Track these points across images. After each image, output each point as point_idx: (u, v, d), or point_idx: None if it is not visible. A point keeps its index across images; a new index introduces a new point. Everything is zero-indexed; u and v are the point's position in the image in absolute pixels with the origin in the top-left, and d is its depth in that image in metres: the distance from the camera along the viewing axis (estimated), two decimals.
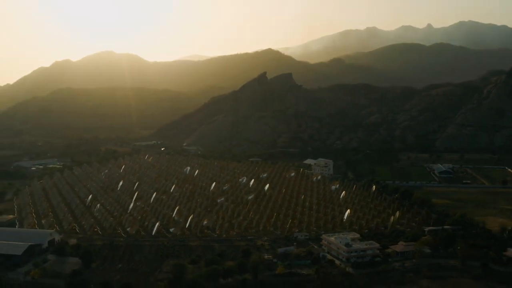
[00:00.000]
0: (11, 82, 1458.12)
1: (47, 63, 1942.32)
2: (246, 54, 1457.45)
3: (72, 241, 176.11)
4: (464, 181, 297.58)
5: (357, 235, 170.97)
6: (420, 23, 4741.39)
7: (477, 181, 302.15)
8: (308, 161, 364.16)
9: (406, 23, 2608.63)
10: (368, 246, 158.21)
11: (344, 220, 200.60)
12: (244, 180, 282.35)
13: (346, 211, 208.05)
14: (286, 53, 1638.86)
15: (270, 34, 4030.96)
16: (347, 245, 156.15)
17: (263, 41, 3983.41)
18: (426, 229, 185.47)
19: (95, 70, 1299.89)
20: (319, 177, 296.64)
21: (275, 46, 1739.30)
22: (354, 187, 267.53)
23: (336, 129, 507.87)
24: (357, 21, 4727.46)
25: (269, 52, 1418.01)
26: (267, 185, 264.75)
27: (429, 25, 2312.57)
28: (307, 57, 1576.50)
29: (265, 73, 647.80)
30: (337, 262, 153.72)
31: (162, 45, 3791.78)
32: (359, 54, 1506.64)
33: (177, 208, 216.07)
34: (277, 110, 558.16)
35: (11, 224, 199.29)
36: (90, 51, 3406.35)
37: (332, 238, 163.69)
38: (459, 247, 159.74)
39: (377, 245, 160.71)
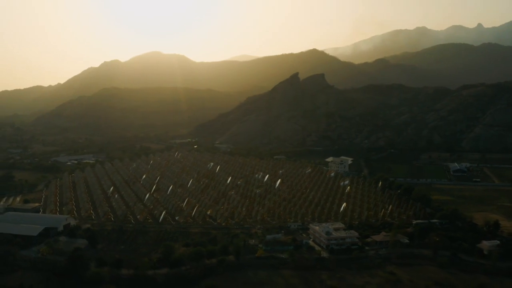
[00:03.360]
0: (62, 81, 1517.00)
1: (96, 64, 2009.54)
2: (291, 54, 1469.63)
3: (86, 226, 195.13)
4: (474, 179, 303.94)
5: (342, 225, 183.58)
6: (470, 23, 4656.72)
7: (488, 180, 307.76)
8: (330, 159, 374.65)
9: (457, 23, 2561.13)
10: (347, 235, 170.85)
11: (340, 212, 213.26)
12: (260, 176, 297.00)
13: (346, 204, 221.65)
14: (336, 53, 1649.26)
15: (320, 34, 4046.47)
16: (327, 233, 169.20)
17: (314, 41, 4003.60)
18: (414, 222, 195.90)
19: (142, 70, 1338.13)
20: (332, 174, 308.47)
21: (324, 47, 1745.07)
22: (362, 183, 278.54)
23: (365, 128, 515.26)
24: (407, 21, 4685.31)
25: (314, 53, 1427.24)
26: (279, 180, 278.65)
27: (480, 25, 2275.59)
28: (356, 57, 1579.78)
29: (297, 73, 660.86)
30: (317, 248, 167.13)
31: (210, 45, 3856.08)
32: (407, 54, 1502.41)
33: (186, 199, 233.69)
34: (308, 110, 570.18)
35: (35, 210, 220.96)
36: (138, 51, 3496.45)
37: (317, 227, 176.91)
38: (437, 239, 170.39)
39: (356, 234, 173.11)
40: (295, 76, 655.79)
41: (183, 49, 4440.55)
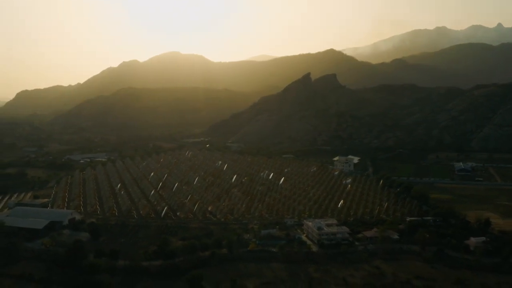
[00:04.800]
0: (82, 81, 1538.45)
1: (115, 64, 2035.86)
2: (309, 54, 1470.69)
3: (90, 220, 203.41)
4: (476, 179, 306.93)
5: (335, 221, 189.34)
6: (490, 23, 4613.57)
7: (491, 179, 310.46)
8: (337, 158, 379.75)
9: (477, 23, 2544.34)
10: (338, 230, 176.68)
11: (337, 209, 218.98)
12: (265, 174, 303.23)
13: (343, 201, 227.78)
14: (355, 53, 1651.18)
15: (340, 34, 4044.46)
16: (318, 228, 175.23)
17: (333, 41, 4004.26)
18: (408, 219, 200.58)
19: (161, 71, 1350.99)
20: (336, 172, 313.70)
21: (344, 46, 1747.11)
22: (364, 181, 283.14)
23: (375, 128, 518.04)
24: (427, 21, 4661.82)
25: (331, 53, 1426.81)
26: (283, 178, 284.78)
27: (499, 25, 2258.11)
28: (375, 57, 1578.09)
29: (309, 73, 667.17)
30: (309, 243, 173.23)
31: (229, 46, 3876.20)
32: (425, 54, 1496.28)
33: (189, 196, 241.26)
34: (319, 110, 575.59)
35: (44, 206, 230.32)
36: (157, 51, 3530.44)
37: (310, 223, 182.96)
38: (427, 235, 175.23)
39: (347, 229, 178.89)
40: (307, 76, 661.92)
41: (202, 50, 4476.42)
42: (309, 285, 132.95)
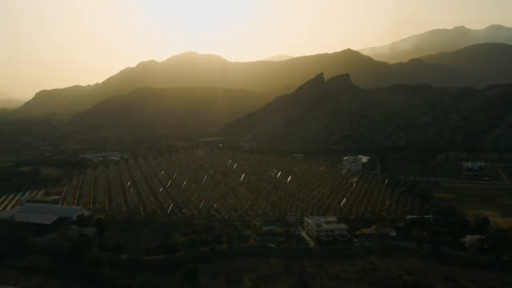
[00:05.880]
0: (100, 81, 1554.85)
1: (133, 64, 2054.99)
2: (325, 54, 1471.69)
3: (98, 216, 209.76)
4: (483, 178, 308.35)
5: (335, 219, 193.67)
6: (510, 22, 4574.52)
7: (499, 179, 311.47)
8: (346, 157, 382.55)
9: (495, 22, 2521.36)
10: (336, 227, 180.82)
11: (339, 207, 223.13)
12: (273, 173, 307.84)
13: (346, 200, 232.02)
14: (373, 53, 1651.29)
15: (359, 34, 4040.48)
16: (317, 225, 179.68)
17: (352, 41, 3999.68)
18: (408, 217, 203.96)
19: (178, 70, 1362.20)
20: (343, 172, 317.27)
21: (363, 46, 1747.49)
22: (370, 180, 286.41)
23: (387, 128, 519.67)
24: (446, 21, 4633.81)
25: (348, 53, 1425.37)
26: (290, 177, 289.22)
27: None
28: (394, 57, 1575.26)
29: (321, 73, 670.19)
30: (308, 239, 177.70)
31: (247, 46, 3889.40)
32: (443, 54, 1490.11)
33: (196, 193, 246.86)
34: (331, 109, 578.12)
35: (55, 202, 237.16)
36: (174, 51, 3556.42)
37: (310, 220, 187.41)
38: (425, 233, 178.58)
39: (345, 226, 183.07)
40: (319, 76, 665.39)
41: (219, 50, 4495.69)
42: (300, 278, 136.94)
